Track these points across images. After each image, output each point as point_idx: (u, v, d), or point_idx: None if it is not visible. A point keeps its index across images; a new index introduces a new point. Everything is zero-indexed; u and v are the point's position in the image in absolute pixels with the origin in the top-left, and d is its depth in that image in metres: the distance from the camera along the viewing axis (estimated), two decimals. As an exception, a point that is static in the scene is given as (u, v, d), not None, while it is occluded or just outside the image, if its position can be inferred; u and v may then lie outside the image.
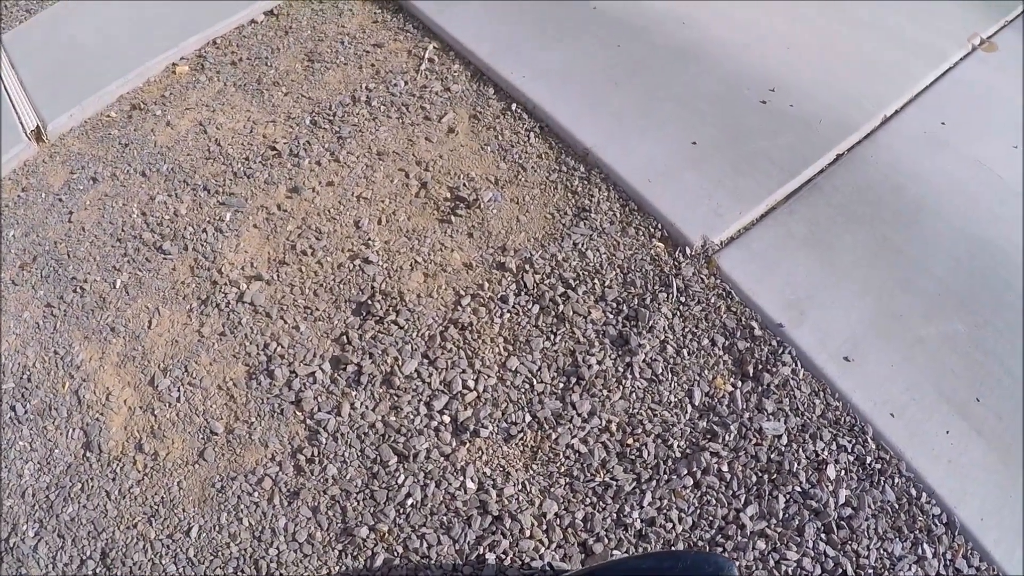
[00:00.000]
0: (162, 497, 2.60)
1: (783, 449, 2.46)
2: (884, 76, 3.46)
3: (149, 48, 4.35)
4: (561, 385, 2.64)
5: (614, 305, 2.81)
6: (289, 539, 2.47)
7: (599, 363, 2.66)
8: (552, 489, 2.44)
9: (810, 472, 2.42)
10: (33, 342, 3.13)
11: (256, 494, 2.55)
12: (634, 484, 2.43)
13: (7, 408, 2.94)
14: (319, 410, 2.71)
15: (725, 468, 2.44)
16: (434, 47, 3.97)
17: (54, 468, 2.76)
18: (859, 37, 3.69)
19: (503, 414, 2.60)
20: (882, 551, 2.27)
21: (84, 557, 2.54)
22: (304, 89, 3.92)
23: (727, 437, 2.49)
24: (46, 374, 3.02)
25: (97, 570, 2.52)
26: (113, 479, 2.69)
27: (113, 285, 3.25)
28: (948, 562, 2.24)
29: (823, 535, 2.30)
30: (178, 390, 2.87)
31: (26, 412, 2.93)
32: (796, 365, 2.64)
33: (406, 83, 3.80)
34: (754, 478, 2.42)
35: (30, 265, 3.42)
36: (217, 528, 2.54)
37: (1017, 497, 2.32)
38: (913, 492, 2.36)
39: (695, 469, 2.43)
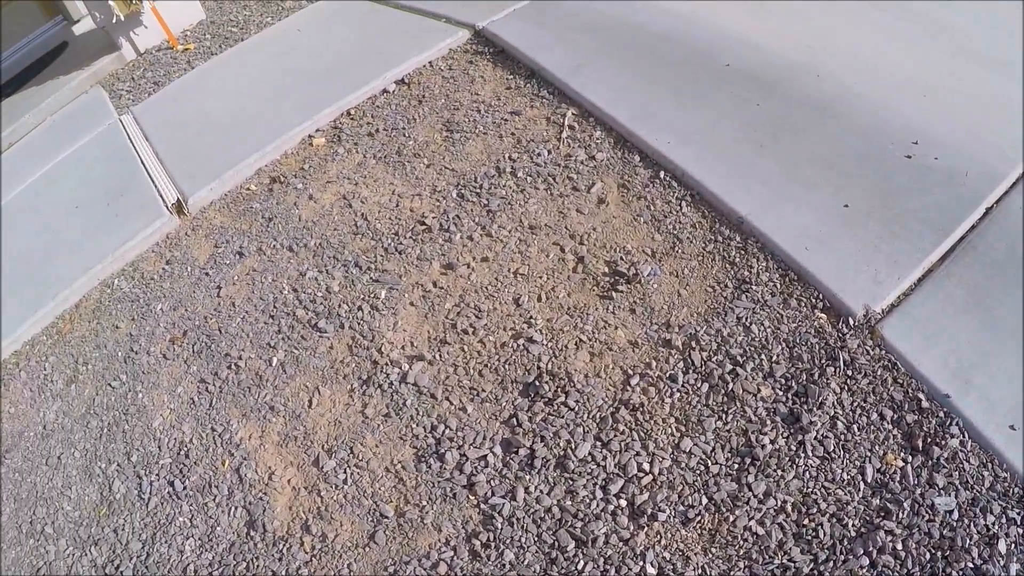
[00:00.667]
0: (331, 579, 2.54)
1: (955, 524, 2.45)
2: (1021, 119, 3.40)
3: (283, 120, 4.47)
4: (736, 466, 2.68)
5: (782, 381, 2.84)
6: (469, 625, 2.47)
7: (772, 442, 2.70)
8: (732, 573, 2.47)
9: (982, 547, 2.40)
10: (189, 418, 3.23)
11: (431, 579, 2.48)
12: (811, 565, 2.45)
13: (165, 484, 3.04)
14: (493, 494, 2.71)
15: (900, 546, 2.44)
16: (573, 113, 4.02)
17: (216, 546, 2.83)
18: (992, 79, 3.65)
19: (679, 497, 2.64)
20: (1054, 623, 2.23)
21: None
22: (446, 160, 4.00)
23: (900, 514, 2.49)
24: (204, 451, 3.11)
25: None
26: (280, 559, 2.70)
27: (269, 363, 3.33)
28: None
29: (998, 610, 2.27)
30: (344, 472, 2.89)
31: (185, 488, 3.01)
32: (964, 436, 2.63)
33: (549, 152, 3.85)
34: (927, 555, 2.42)
35: (181, 339, 3.55)
36: (392, 611, 2.54)
37: None
38: (1083, 562, 2.31)
39: (871, 548, 2.45)
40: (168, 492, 3.01)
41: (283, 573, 2.66)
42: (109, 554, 2.92)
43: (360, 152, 4.17)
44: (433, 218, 3.69)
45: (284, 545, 2.75)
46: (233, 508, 2.92)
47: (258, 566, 2.71)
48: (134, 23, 5.81)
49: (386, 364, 3.19)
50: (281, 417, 3.12)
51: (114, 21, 5.68)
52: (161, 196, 4.22)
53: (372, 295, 3.46)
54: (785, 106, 3.68)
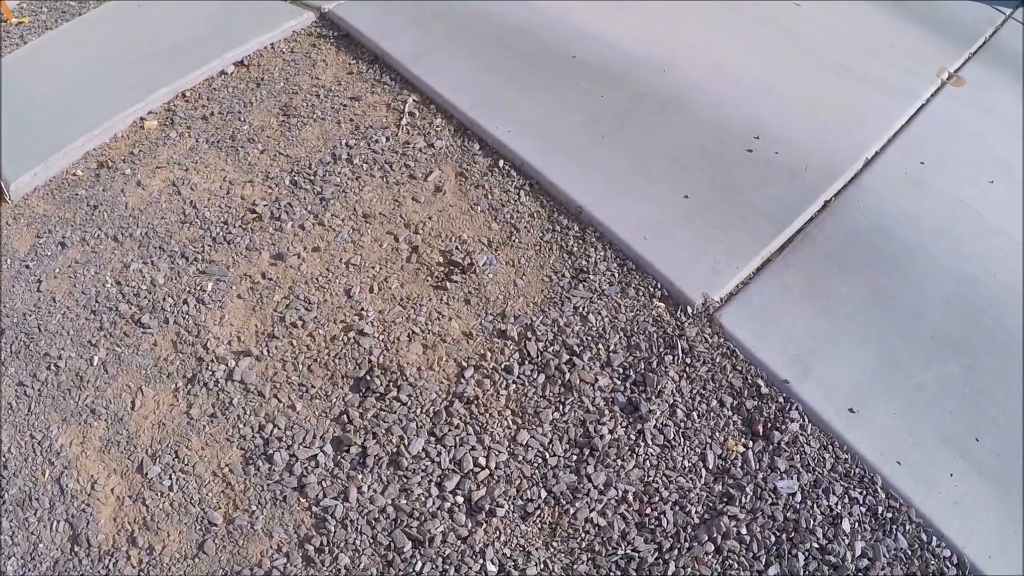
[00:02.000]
0: (160, 594, 2.42)
1: (798, 507, 2.46)
2: (861, 118, 3.54)
3: (115, 101, 4.18)
4: (575, 457, 2.60)
5: (620, 371, 2.79)
6: (305, 635, 2.32)
7: (611, 432, 2.63)
8: (575, 566, 2.39)
9: (826, 527, 2.42)
10: (7, 425, 2.95)
11: (263, 589, 2.39)
12: (656, 555, 2.39)
13: None
14: (324, 496, 2.60)
15: (744, 531, 2.42)
16: (414, 100, 3.91)
17: (40, 564, 2.60)
18: (833, 80, 3.77)
19: (518, 491, 2.55)
20: (899, 600, 2.23)
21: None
22: (281, 146, 3.82)
23: (743, 499, 2.48)
24: (24, 460, 2.85)
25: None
26: (107, 575, 2.53)
27: (90, 362, 3.08)
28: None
29: (843, 590, 2.26)
30: (170, 478, 2.73)
31: (4, 503, 2.75)
32: (804, 421, 2.64)
33: (387, 139, 3.73)
34: (773, 538, 2.41)
35: None
36: (226, 625, 2.37)
37: (1018, 532, 2.40)
38: (924, 537, 2.39)
39: (715, 535, 2.41)
40: None
41: (111, 589, 2.42)
42: (-76, 576, 2.59)
43: (193, 136, 3.94)
44: (264, 206, 3.50)
45: (110, 560, 2.55)
46: (55, 522, 2.67)
47: (84, 584, 2.45)
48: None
49: (212, 361, 2.99)
50: (103, 421, 2.89)
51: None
52: None
53: (198, 287, 3.24)
54: (630, 99, 3.67)
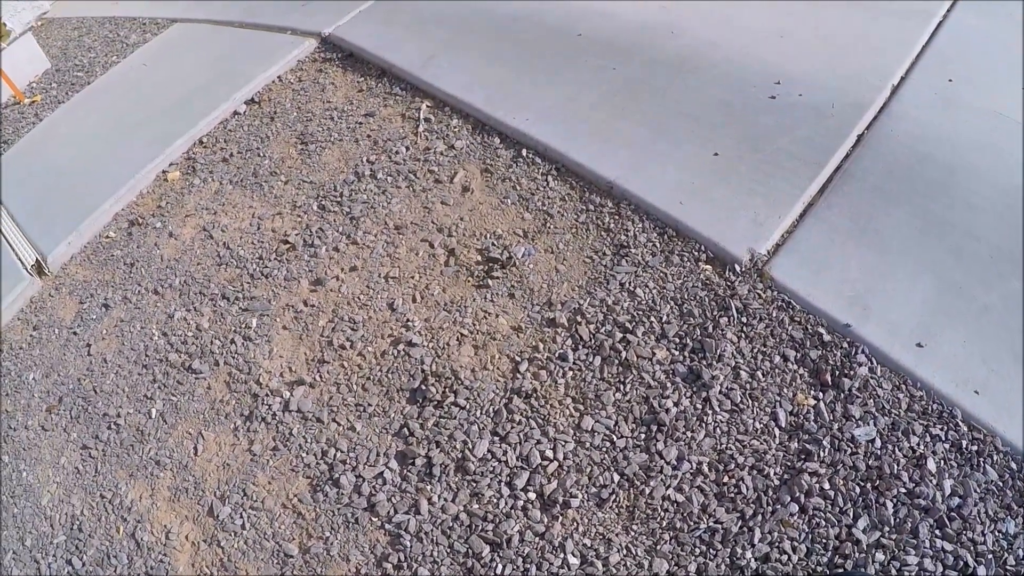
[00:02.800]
0: (246, 633, 2.40)
1: (879, 453, 2.38)
2: (880, 46, 3.45)
3: (136, 159, 4.29)
4: (643, 435, 2.55)
5: (677, 340, 2.73)
6: (397, 653, 2.30)
7: (676, 404, 2.58)
8: (658, 547, 2.34)
9: (911, 470, 2.33)
10: (77, 488, 3.02)
11: (349, 612, 2.36)
12: (739, 523, 2.33)
13: (63, 564, 2.82)
14: (396, 512, 2.58)
15: (827, 486, 2.34)
16: (427, 106, 3.91)
17: None
18: (844, 11, 3.68)
19: (590, 478, 2.50)
20: (996, 533, 2.19)
21: None
22: (304, 174, 3.85)
23: (821, 453, 2.40)
24: (97, 521, 2.89)
25: None
26: None
27: (148, 415, 3.14)
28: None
29: (937, 531, 2.22)
30: (241, 516, 2.74)
31: (84, 565, 2.79)
32: (872, 363, 2.55)
33: (407, 148, 3.73)
34: (858, 489, 2.33)
35: (57, 407, 3.32)
36: (320, 655, 2.36)
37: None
38: (1013, 466, 2.29)
39: (798, 494, 2.34)
40: (68, 572, 2.78)
41: (197, 636, 2.41)
42: (14, 647, 2.60)
43: (216, 180, 3.99)
44: (296, 235, 3.52)
45: None
46: None
47: (170, 633, 2.45)
48: (-23, 85, 5.53)
49: (266, 395, 3.00)
50: (168, 470, 2.92)
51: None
52: (20, 259, 3.97)
53: (243, 325, 3.26)
54: (642, 67, 3.62)
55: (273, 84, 4.47)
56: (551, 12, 4.08)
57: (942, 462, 2.32)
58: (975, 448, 2.32)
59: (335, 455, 2.76)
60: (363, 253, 3.36)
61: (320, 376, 3.00)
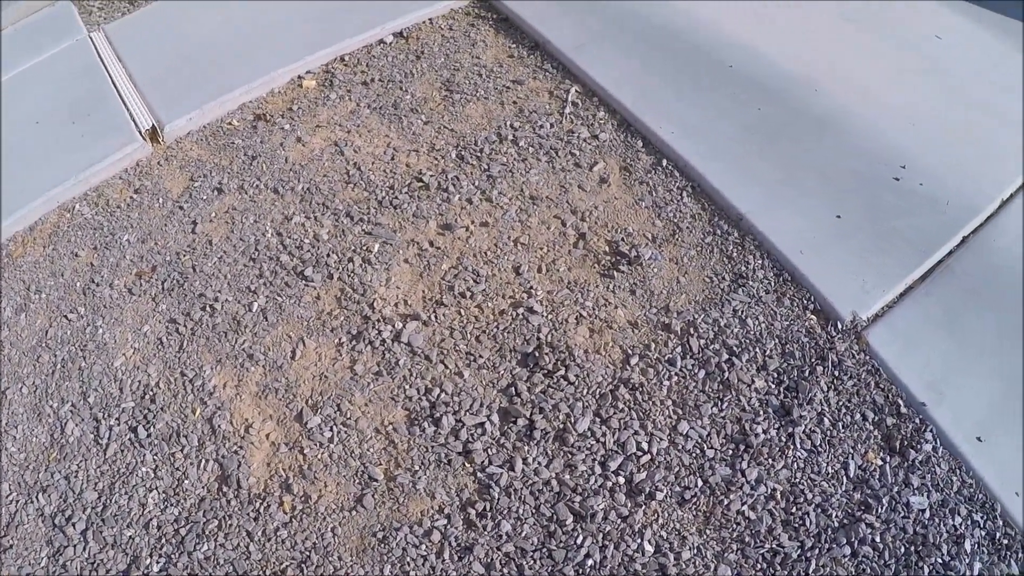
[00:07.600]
0: (314, 543, 2.51)
1: (927, 522, 2.63)
2: (1000, 157, 3.65)
3: (274, 57, 4.30)
4: (730, 451, 2.77)
5: (775, 375, 2.95)
6: (462, 596, 2.37)
7: (764, 432, 2.80)
8: (725, 554, 2.57)
9: (950, 545, 2.58)
10: (156, 360, 3.05)
11: (424, 547, 2.50)
12: (799, 551, 2.57)
13: (126, 429, 2.85)
14: (490, 463, 2.69)
15: (879, 539, 2.60)
16: (576, 90, 4.03)
17: (184, 501, 2.63)
18: (973, 115, 3.86)
19: (676, 478, 2.72)
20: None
21: (220, 600, 2.39)
22: (445, 120, 3.95)
23: (879, 509, 2.65)
24: (172, 397, 2.93)
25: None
26: (255, 519, 2.58)
27: (249, 308, 3.19)
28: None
29: (959, 603, 2.44)
30: (330, 430, 2.77)
31: (149, 436, 2.82)
32: (936, 443, 2.80)
33: (552, 125, 3.85)
34: (902, 549, 2.58)
35: (149, 274, 3.37)
36: (379, 581, 2.42)
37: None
38: (1033, 568, 2.51)
39: (853, 539, 2.60)
40: (130, 439, 2.83)
41: (259, 533, 2.53)
42: (59, 503, 2.69)
43: (353, 100, 4.08)
44: (431, 176, 3.64)
45: (261, 504, 2.61)
46: (204, 461, 2.77)
47: (231, 525, 2.57)
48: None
49: (378, 320, 3.10)
50: (260, 367, 3.00)
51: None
52: (134, 120, 3.99)
53: (364, 247, 3.37)
54: (784, 114, 3.79)
55: (424, 24, 4.52)
56: (703, 35, 4.22)
57: (976, 545, 2.57)
58: (1005, 542, 2.59)
59: (439, 395, 2.88)
60: (496, 212, 3.49)
61: (435, 317, 3.12)
